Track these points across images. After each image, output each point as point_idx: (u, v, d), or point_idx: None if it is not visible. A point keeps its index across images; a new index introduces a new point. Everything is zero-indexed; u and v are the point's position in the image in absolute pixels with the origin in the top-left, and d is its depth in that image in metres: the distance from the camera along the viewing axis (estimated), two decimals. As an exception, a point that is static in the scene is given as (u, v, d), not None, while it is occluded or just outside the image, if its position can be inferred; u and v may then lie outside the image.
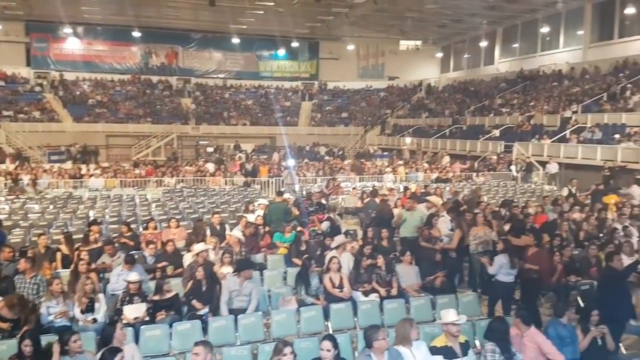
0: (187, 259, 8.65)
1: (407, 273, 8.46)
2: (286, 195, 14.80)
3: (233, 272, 7.43)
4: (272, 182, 21.38)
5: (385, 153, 32.90)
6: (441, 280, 8.29)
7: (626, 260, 8.20)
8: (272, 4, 33.13)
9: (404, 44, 41.56)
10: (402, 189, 16.63)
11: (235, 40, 41.59)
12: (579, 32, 33.11)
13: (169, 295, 7.23)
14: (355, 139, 39.59)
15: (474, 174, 22.89)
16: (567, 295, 8.32)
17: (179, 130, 37.13)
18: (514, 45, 38.89)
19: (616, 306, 6.14)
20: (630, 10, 28.92)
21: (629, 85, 25.55)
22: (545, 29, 34.97)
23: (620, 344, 6.44)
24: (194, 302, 7.22)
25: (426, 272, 8.62)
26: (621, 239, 9.81)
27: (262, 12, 35.19)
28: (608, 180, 18.28)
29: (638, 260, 7.73)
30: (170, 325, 6.42)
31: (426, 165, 25.16)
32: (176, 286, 7.67)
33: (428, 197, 13.21)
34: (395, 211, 12.29)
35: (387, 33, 41.25)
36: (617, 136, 21.30)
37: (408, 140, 34.28)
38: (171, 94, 41.98)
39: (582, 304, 7.43)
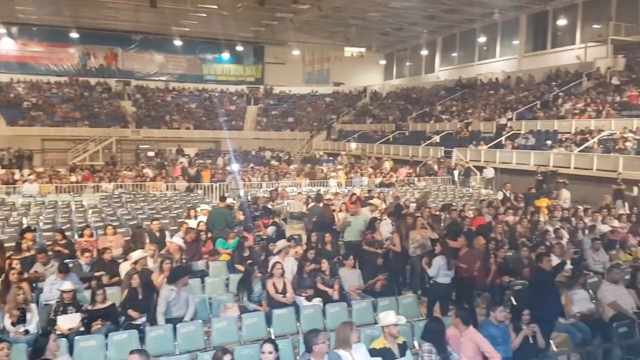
0: (125, 267, 8.40)
1: (350, 276, 8.55)
2: (230, 201, 14.65)
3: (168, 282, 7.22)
4: (216, 187, 21.07)
5: (330, 158, 33.17)
6: (382, 283, 8.42)
7: (556, 261, 8.66)
8: (215, 7, 32.76)
9: (349, 51, 42.16)
10: (347, 194, 16.80)
11: (178, 43, 40.77)
12: (514, 42, 34.67)
13: (104, 305, 7.00)
14: (301, 144, 39.71)
15: (416, 179, 23.44)
16: (502, 295, 8.65)
17: (118, 134, 35.96)
18: (453, 54, 40.25)
19: (545, 305, 6.43)
20: (562, 22, 30.59)
21: (560, 94, 26.99)
22: (482, 39, 36.41)
23: (551, 342, 6.76)
24: (130, 311, 7.01)
25: (368, 276, 8.75)
26: (552, 240, 10.31)
27: (205, 14, 34.72)
28: (541, 185, 19.17)
29: (565, 260, 8.13)
30: (106, 336, 6.22)
31: (371, 170, 25.55)
32: (113, 295, 7.44)
33: (371, 200, 13.44)
34: (340, 215, 12.42)
35: (332, 39, 41.72)
36: (549, 142, 22.38)
37: (353, 145, 34.72)
38: (110, 97, 40.63)
39: (515, 304, 7.74)
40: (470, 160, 24.46)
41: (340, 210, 13.08)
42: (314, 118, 43.01)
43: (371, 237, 9.96)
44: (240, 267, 8.73)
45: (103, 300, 7.04)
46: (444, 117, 32.57)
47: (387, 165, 27.05)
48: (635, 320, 6.92)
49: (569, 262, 8.71)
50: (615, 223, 12.27)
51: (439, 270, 7.96)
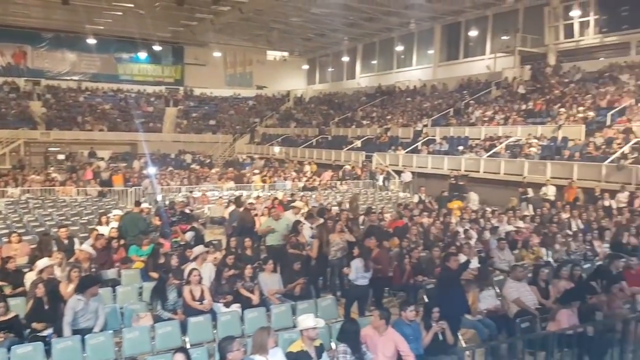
0: (30, 277, 7.89)
1: (270, 281, 8.52)
2: (146, 205, 14.15)
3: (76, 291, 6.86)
4: (131, 191, 20.27)
5: (252, 162, 32.92)
6: (301, 287, 8.46)
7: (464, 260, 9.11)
8: (131, 5, 31.57)
9: (271, 54, 42.11)
10: (269, 197, 16.74)
11: (92, 41, 38.84)
12: (429, 52, 36.20)
13: (7, 317, 6.60)
14: (223, 147, 39.13)
15: (339, 183, 23.81)
16: (415, 294, 8.96)
17: (27, 136, 33.75)
18: (373, 62, 41.39)
19: (452, 303, 6.74)
20: (473, 33, 32.33)
21: (471, 102, 28.48)
22: (400, 48, 37.75)
23: (460, 338, 7.08)
24: (34, 323, 6.59)
25: (290, 279, 8.76)
26: (462, 240, 10.83)
27: (120, 13, 33.37)
28: (454, 188, 20.09)
29: (469, 259, 8.57)
30: (9, 349, 5.86)
31: (294, 174, 25.65)
32: (17, 307, 7.01)
33: (293, 203, 13.48)
34: (262, 219, 12.35)
35: (254, 42, 41.50)
36: (460, 148, 23.52)
37: (277, 149, 34.70)
38: (18, 97, 37.98)
39: (427, 302, 8.05)
40: (390, 165, 25.20)
41: (262, 215, 13.02)
42: (237, 121, 42.55)
43: (295, 240, 9.99)
44: (155, 275, 8.44)
45: (5, 312, 6.65)
46: (364, 122, 33.36)
47: (309, 168, 27.28)
48: (536, 315, 7.39)
49: (475, 260, 9.18)
50: (520, 224, 13.06)
51: (358, 273, 8.13)
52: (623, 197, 15.68)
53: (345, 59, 43.06)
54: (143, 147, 31.75)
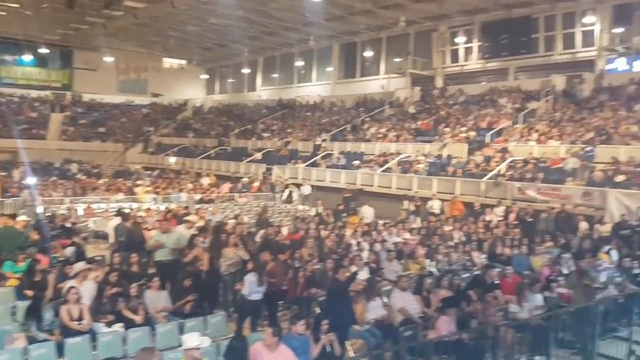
0: None
1: (156, 298, 8.19)
2: (24, 218, 13.04)
3: None
4: (9, 203, 18.59)
5: (147, 172, 31.62)
6: (191, 304, 8.22)
7: (361, 272, 9.40)
8: (17, 5, 29.26)
9: (168, 62, 40.91)
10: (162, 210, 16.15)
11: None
12: (328, 69, 37.23)
13: None
14: (113, 156, 37.19)
15: (237, 195, 23.51)
16: (309, 307, 9.06)
17: None
18: (274, 75, 41.73)
19: (340, 314, 6.91)
20: (369, 54, 33.75)
21: (367, 119, 29.61)
22: (300, 63, 38.41)
23: (348, 348, 7.24)
24: None
25: (178, 297, 8.47)
26: (354, 252, 11.15)
27: (4, 13, 30.79)
28: (349, 201, 20.67)
29: (357, 271, 8.86)
30: None
31: (190, 185, 24.96)
32: None
33: (187, 217, 13.10)
34: (152, 233, 11.85)
35: (150, 49, 40.17)
36: (356, 162, 24.29)
37: (173, 159, 33.60)
38: None
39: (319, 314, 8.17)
40: (289, 178, 25.38)
41: (153, 228, 12.50)
42: (129, 129, 40.62)
43: (190, 255, 9.71)
44: (30, 293, 7.81)
45: None
46: (265, 135, 33.38)
47: (206, 180, 26.72)
48: (420, 324, 7.78)
49: (366, 272, 9.49)
50: (407, 235, 13.71)
51: (251, 287, 8.07)
52: (499, 211, 17.02)
53: (246, 70, 42.95)
54: (24, 155, 29.30)
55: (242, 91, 44.22)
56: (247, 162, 29.22)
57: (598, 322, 7.53)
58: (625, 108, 20.58)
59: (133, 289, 7.83)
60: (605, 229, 14.27)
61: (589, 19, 25.05)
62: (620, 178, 15.98)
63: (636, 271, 10.63)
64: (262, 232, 12.69)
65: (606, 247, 11.98)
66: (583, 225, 14.61)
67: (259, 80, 42.62)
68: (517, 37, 27.49)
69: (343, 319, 6.87)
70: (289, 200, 23.08)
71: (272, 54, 40.31)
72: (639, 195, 14.88)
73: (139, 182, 25.38)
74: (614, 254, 11.60)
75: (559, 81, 24.45)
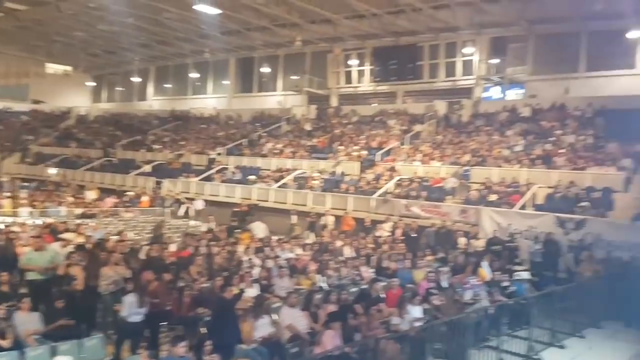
0: None
1: (27, 320, 7.56)
2: None
3: None
4: None
5: (25, 183, 29.02)
6: (65, 326, 7.66)
7: (250, 290, 9.32)
8: None
9: (52, 68, 38.20)
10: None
11: None
12: (225, 82, 36.92)
13: None
14: (-14, 167, 33.77)
15: (122, 210, 22.36)
16: (195, 327, 8.79)
17: None
18: (167, 85, 40.62)
19: (226, 333, 6.79)
20: (266, 70, 34.05)
21: (264, 134, 29.68)
22: (195, 75, 37.75)
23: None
24: None
25: (52, 318, 7.86)
26: (246, 270, 11.03)
27: None
28: (244, 217, 20.49)
29: (243, 289, 8.80)
30: None
31: (71, 199, 23.32)
32: None
33: (63, 235, 12.23)
34: (24, 250, 10.90)
35: (32, 53, 37.27)
36: (252, 177, 24.19)
37: (53, 170, 31.21)
38: None
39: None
40: (181, 192, 24.63)
41: (28, 245, 11.50)
42: (6, 137, 37.21)
43: (64, 273, 9.05)
44: None
45: None
46: (156, 146, 32.18)
47: (90, 194, 25.14)
48: (307, 340, 7.86)
49: (256, 289, 9.43)
50: (300, 251, 13.84)
51: (130, 309, 7.68)
52: (388, 226, 17.78)
53: (137, 79, 41.37)
54: None
55: (131, 100, 42.43)
56: (136, 174, 27.96)
57: (470, 333, 8.10)
58: (498, 133, 22.56)
59: (1, 310, 7.19)
60: (480, 244, 15.44)
61: (468, 49, 27.28)
62: (492, 197, 17.43)
63: (505, 284, 11.60)
64: (146, 249, 12.15)
65: (484, 262, 12.93)
66: (462, 241, 15.71)
67: (150, 89, 41.18)
68: (404, 63, 29.22)
69: (229, 338, 6.76)
70: (187, 216, 22.36)
71: (166, 63, 39.23)
72: (508, 213, 16.31)
73: (8, 193, 23.21)
74: (487, 268, 12.55)
75: (441, 106, 26.26)
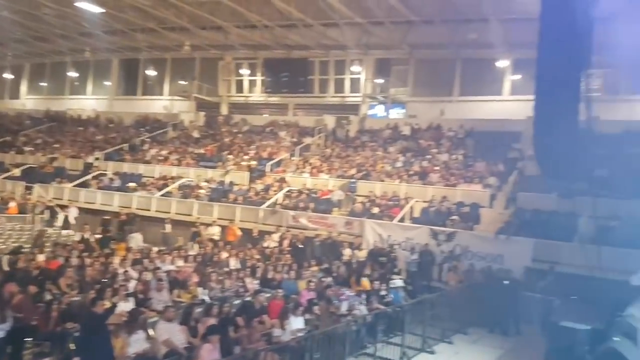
0: None
1: None
2: None
3: None
4: None
5: None
6: None
7: (125, 303, 8.83)
8: None
9: None
10: None
11: None
12: (106, 83, 35.04)
13: None
14: None
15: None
16: (63, 343, 8.14)
17: None
18: (42, 84, 37.69)
19: (97, 349, 6.37)
20: (152, 73, 32.80)
21: (148, 139, 28.45)
22: (74, 74, 35.42)
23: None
24: None
25: None
26: (120, 283, 10.44)
27: None
28: (122, 226, 19.43)
29: (116, 303, 8.36)
30: None
31: None
32: None
33: None
34: None
35: None
36: (132, 184, 23.02)
37: None
38: None
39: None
40: (54, 198, 22.78)
41: None
42: None
43: None
44: None
45: None
46: (27, 148, 29.50)
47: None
48: (184, 354, 7.61)
49: (131, 303, 8.97)
50: (181, 263, 13.37)
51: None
52: (276, 237, 17.84)
53: (9, 76, 37.86)
54: None
55: (2, 98, 38.69)
56: (3, 178, 25.45)
57: (348, 341, 8.37)
58: (382, 149, 23.68)
59: None
60: (362, 254, 16.05)
61: (356, 68, 28.47)
62: (375, 210, 18.23)
63: (383, 292, 12.15)
64: (5, 258, 11.10)
65: (366, 273, 13.43)
66: (347, 252, 16.23)
67: (24, 87, 37.89)
68: (296, 76, 29.70)
69: (99, 355, 6.35)
70: (66, 225, 20.57)
71: (42, 60, 36.36)
72: (389, 225, 17.14)
73: None
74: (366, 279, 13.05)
75: (330, 121, 27.04)
